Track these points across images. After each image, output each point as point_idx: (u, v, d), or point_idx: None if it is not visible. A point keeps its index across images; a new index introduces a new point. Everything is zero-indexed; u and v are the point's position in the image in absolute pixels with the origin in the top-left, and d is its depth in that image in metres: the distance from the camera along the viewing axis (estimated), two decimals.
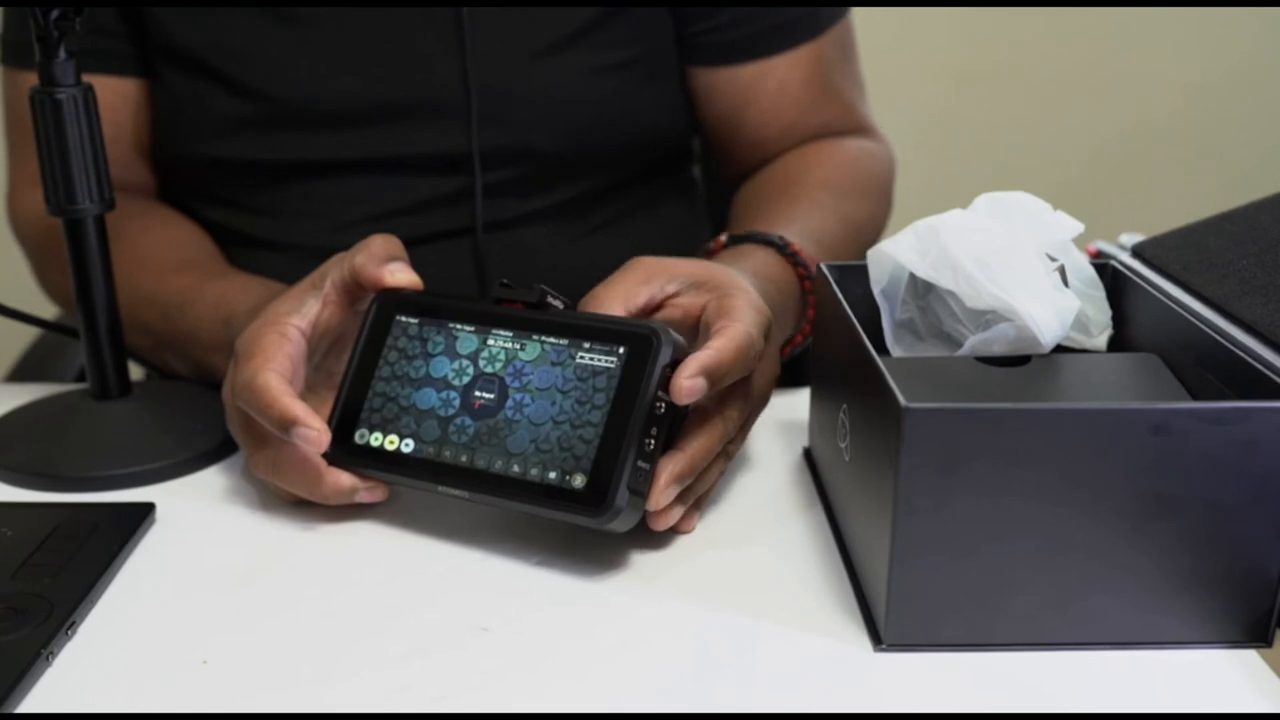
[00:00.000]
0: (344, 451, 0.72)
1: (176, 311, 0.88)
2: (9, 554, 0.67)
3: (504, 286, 0.71)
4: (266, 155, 0.96)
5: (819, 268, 0.75)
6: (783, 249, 0.85)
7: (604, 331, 0.67)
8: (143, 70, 0.99)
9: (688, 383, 0.64)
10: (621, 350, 0.66)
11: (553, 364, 0.68)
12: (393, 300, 0.74)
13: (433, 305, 0.73)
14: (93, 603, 0.65)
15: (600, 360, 0.67)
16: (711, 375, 0.65)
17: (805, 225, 0.91)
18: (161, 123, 0.98)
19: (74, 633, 0.62)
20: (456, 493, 0.68)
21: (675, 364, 0.66)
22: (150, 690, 0.59)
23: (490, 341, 0.71)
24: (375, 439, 0.71)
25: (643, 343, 0.66)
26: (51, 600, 0.63)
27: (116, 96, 0.97)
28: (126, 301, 0.84)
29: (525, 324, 0.70)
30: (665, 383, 0.65)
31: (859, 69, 1.08)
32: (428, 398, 0.71)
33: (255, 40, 0.94)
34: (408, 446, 0.71)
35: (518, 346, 0.70)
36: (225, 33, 0.94)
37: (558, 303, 0.70)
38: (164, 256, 0.93)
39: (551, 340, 0.69)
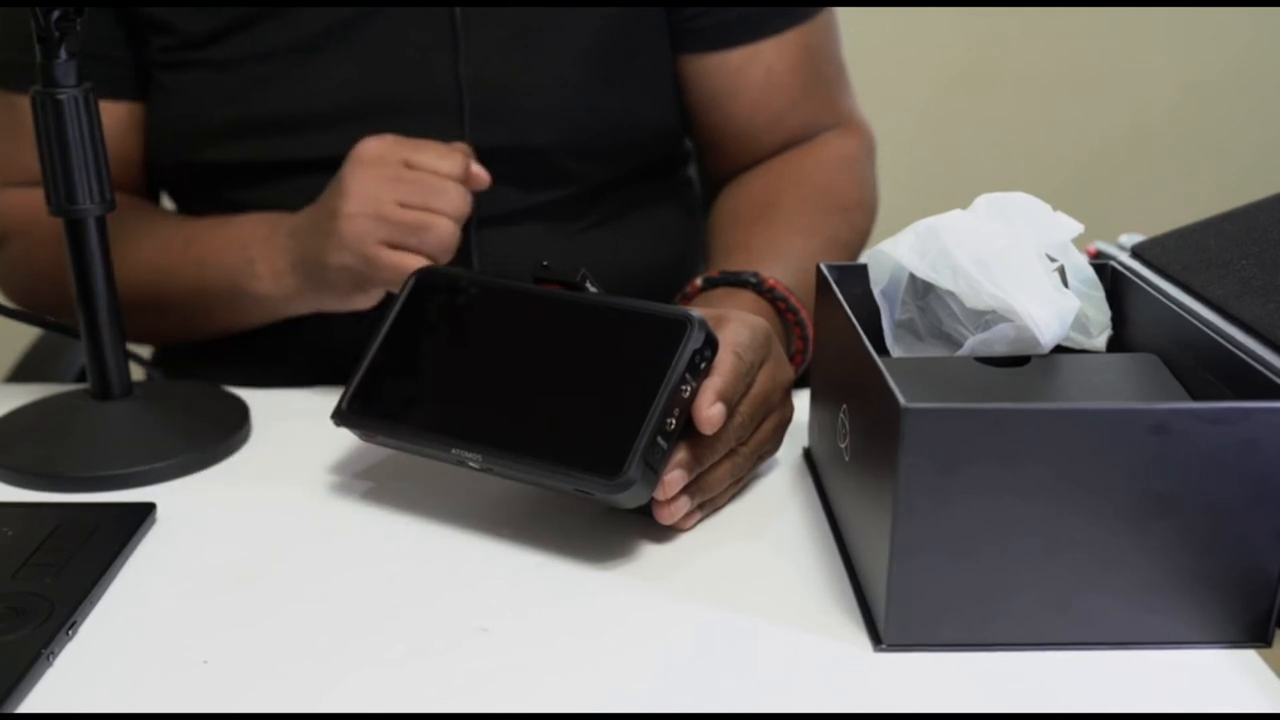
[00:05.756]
0: (359, 414, 0.73)
1: (207, 232, 0.94)
2: (9, 554, 0.67)
3: (544, 268, 0.73)
4: (264, 156, 0.96)
5: (818, 268, 0.75)
6: (758, 287, 0.87)
7: (640, 314, 0.68)
8: (138, 92, 0.99)
9: (710, 411, 0.67)
10: (656, 333, 0.67)
11: (585, 341, 0.69)
12: (431, 276, 0.76)
13: (471, 282, 0.75)
14: (93, 603, 0.65)
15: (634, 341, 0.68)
16: (726, 399, 0.68)
17: (785, 253, 0.93)
18: (159, 130, 0.99)
19: (74, 633, 0.62)
20: (469, 456, 0.69)
21: (707, 352, 0.67)
22: (150, 690, 0.59)
23: (524, 318, 0.72)
24: (394, 402, 0.72)
25: (677, 326, 0.67)
26: (52, 600, 0.63)
27: (114, 120, 0.97)
28: (148, 271, 0.91)
29: (561, 303, 0.71)
30: (694, 368, 0.66)
31: (843, 59, 1.08)
32: (454, 366, 0.72)
33: (251, 40, 0.94)
34: (426, 410, 0.71)
35: (552, 324, 0.71)
36: (220, 33, 0.94)
37: (594, 288, 0.72)
38: (161, 221, 0.98)
39: (586, 320, 0.70)
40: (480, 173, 0.87)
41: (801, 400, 0.80)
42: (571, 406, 0.68)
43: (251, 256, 0.89)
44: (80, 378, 1.10)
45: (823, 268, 0.74)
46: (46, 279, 0.96)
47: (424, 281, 0.76)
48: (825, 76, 1.06)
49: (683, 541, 0.71)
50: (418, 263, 0.81)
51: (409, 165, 0.84)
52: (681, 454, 0.67)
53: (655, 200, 1.08)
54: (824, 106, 1.06)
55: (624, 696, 0.58)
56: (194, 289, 0.92)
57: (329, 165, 0.96)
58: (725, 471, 0.71)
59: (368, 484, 0.77)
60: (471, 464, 0.69)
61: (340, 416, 0.74)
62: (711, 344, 0.68)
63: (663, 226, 1.08)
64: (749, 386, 0.71)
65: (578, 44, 0.97)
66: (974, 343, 0.68)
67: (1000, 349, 0.68)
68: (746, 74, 1.02)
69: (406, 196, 0.83)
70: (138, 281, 0.90)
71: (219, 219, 0.94)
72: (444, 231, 0.83)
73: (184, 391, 0.88)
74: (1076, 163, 2.20)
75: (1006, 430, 0.57)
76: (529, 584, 0.67)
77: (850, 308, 0.68)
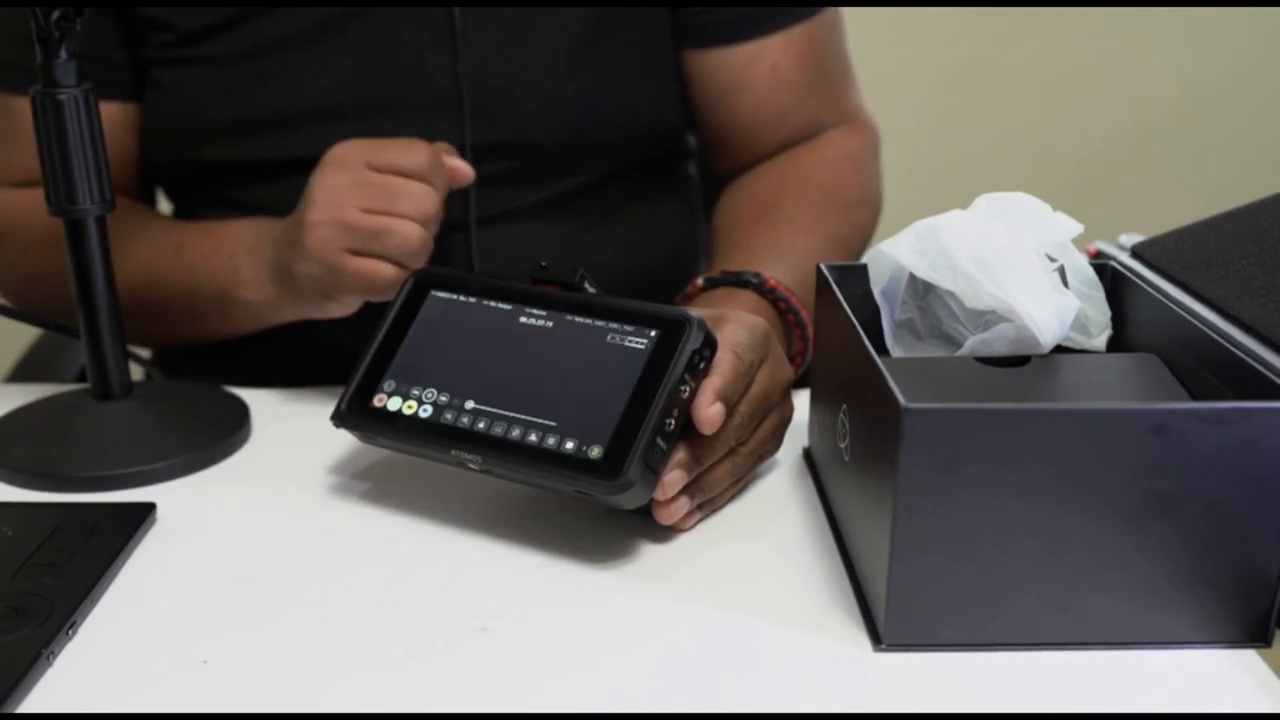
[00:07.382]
0: (358, 415, 0.73)
1: (198, 237, 0.93)
2: (9, 554, 0.67)
3: (542, 268, 0.73)
4: (261, 154, 0.96)
5: (819, 269, 0.75)
6: (759, 287, 0.87)
7: (638, 314, 0.69)
8: (134, 93, 0.99)
9: (709, 411, 0.67)
10: (654, 333, 0.68)
11: (584, 342, 0.69)
12: (429, 277, 0.76)
13: (469, 283, 0.75)
14: (93, 603, 0.65)
15: (632, 341, 0.68)
16: (725, 399, 0.68)
17: (787, 253, 0.93)
18: (156, 128, 0.98)
19: (74, 633, 0.62)
20: (469, 458, 0.69)
21: (706, 352, 0.67)
22: (150, 690, 0.59)
23: (523, 319, 0.72)
24: (393, 404, 0.72)
25: (676, 326, 0.67)
26: (52, 600, 0.63)
27: (110, 121, 0.96)
28: (142, 275, 0.90)
29: (560, 304, 0.71)
30: (693, 368, 0.66)
31: (848, 55, 1.08)
32: (452, 367, 0.72)
33: (249, 33, 0.94)
34: (425, 412, 0.71)
35: (550, 324, 0.71)
36: (217, 27, 0.94)
37: (592, 289, 0.72)
38: (155, 225, 0.97)
39: (585, 320, 0.70)
40: (462, 167, 0.86)
41: (801, 400, 0.80)
42: (571, 406, 0.68)
43: (237, 264, 0.89)
44: (80, 378, 1.10)
45: (823, 268, 0.74)
46: (41, 282, 0.96)
47: (422, 283, 0.76)
48: (831, 73, 1.06)
49: (683, 541, 0.71)
50: (385, 269, 0.80)
51: (372, 167, 0.82)
52: (681, 454, 0.67)
53: (656, 197, 1.08)
54: (829, 103, 1.06)
55: (624, 696, 0.58)
56: (185, 294, 0.92)
57: None
58: (725, 471, 0.71)
59: (367, 484, 0.77)
60: (471, 465, 0.69)
61: (340, 418, 0.74)
62: (710, 344, 0.68)
63: (663, 223, 1.08)
64: (748, 386, 0.71)
65: (576, 41, 0.97)
66: (974, 343, 0.68)
67: (1000, 349, 0.68)
68: (751, 70, 1.02)
69: (368, 201, 0.81)
70: (131, 285, 0.90)
71: (211, 224, 0.94)
72: (408, 235, 0.80)
73: (184, 391, 0.88)
74: (1076, 163, 2.20)
75: (1006, 430, 0.57)
76: (529, 584, 0.67)
77: (850, 308, 0.68)
